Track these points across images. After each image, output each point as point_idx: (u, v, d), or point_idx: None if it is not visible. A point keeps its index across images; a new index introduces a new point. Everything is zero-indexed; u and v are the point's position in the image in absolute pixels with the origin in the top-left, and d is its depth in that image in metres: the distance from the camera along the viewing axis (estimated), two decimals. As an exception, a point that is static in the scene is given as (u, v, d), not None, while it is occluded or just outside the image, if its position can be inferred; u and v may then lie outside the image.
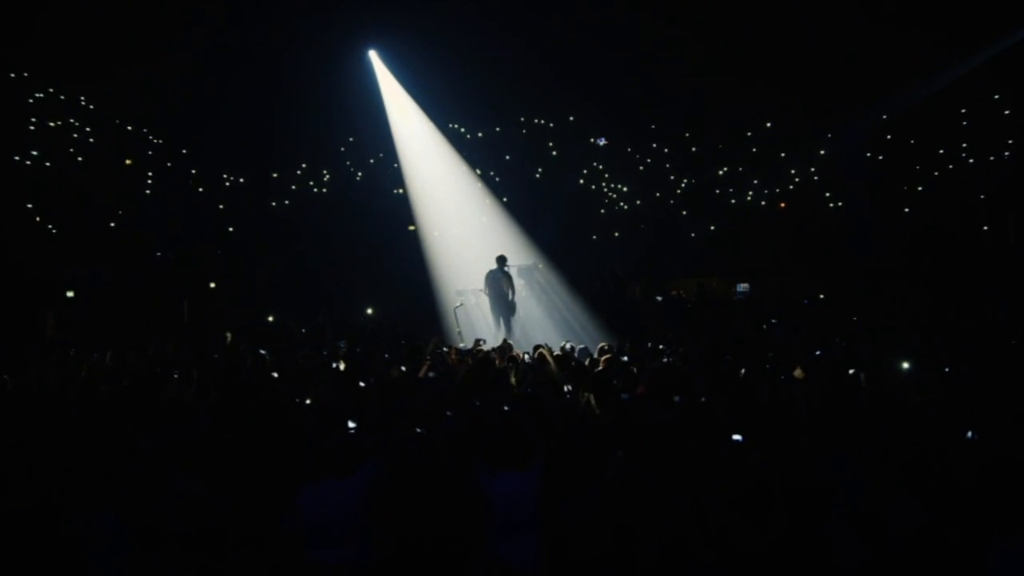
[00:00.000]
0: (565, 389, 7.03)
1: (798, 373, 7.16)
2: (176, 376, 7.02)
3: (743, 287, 18.38)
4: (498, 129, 21.28)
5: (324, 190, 20.32)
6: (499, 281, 13.76)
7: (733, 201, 20.83)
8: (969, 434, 5.29)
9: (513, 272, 14.43)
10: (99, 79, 16.88)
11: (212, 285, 17.68)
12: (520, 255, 16.31)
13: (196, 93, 17.67)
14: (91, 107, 17.78)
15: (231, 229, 19.13)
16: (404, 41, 19.06)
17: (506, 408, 5.94)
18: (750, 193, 20.70)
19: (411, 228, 18.94)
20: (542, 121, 21.38)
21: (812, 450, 5.64)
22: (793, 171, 20.59)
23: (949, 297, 14.92)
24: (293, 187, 20.18)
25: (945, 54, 17.53)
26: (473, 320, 14.34)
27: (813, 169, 20.47)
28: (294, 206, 19.82)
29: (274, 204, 20.00)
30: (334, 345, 9.43)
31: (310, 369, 8.35)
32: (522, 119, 21.39)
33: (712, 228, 20.82)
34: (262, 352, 8.55)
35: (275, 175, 20.19)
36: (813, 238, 18.99)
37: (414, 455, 5.21)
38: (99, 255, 15.84)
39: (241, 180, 19.65)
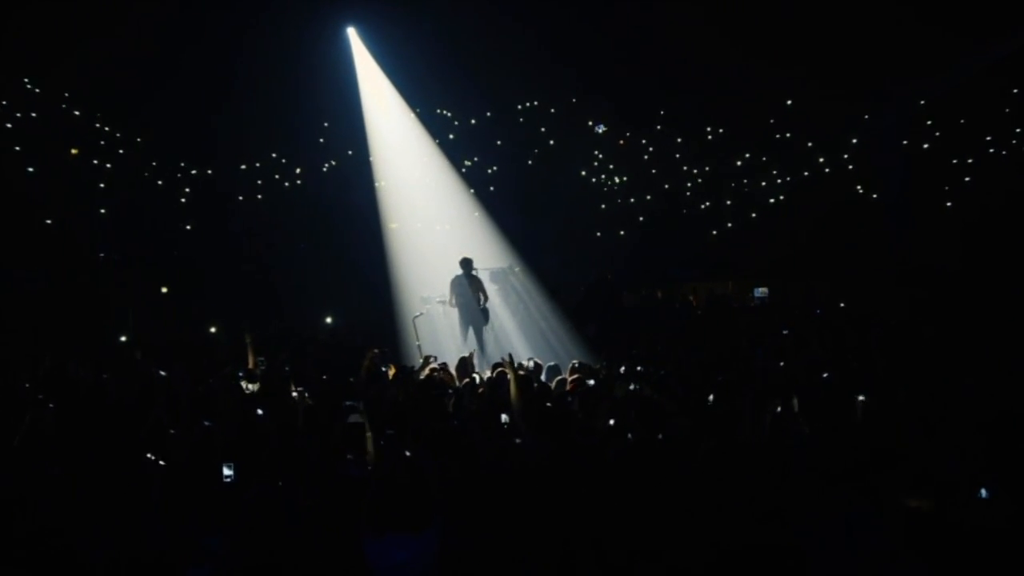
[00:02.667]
0: (502, 419, 6.30)
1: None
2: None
3: (761, 292, 17.64)
4: (489, 114, 20.66)
5: (290, 184, 19.74)
6: (467, 287, 13.08)
7: (751, 193, 20.12)
8: (984, 492, 4.55)
9: (484, 276, 13.74)
10: (43, 58, 16.35)
11: (164, 290, 17.06)
12: (496, 256, 15.61)
13: (151, 74, 17.10)
14: (36, 90, 17.26)
15: (189, 227, 18.52)
16: (388, 18, 18.47)
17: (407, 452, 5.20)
18: (765, 183, 19.97)
19: (393, 226, 18.35)
20: (536, 104, 20.78)
21: (794, 502, 4.98)
22: (821, 159, 19.79)
23: (997, 304, 14.01)
24: (259, 181, 19.60)
25: (993, 28, 16.70)
26: (438, 331, 13.64)
27: (846, 156, 19.70)
28: (261, 202, 19.22)
29: (241, 199, 19.42)
30: (255, 361, 8.75)
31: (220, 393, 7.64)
32: (516, 106, 20.78)
33: (729, 225, 20.03)
34: (162, 373, 7.90)
35: (243, 167, 19.63)
36: (841, 235, 18.21)
37: (268, 517, 4.51)
38: (31, 255, 15.26)
39: (193, 172, 19.04)
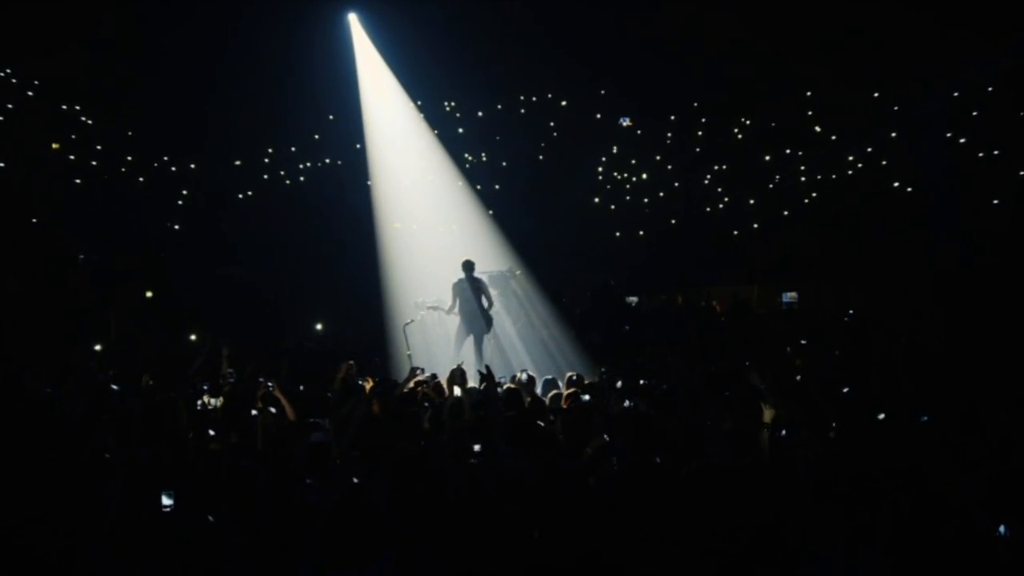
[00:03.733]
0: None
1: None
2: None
3: (790, 297, 17.30)
4: (500, 107, 20.46)
5: (282, 181, 19.66)
6: (469, 291, 12.78)
7: (779, 190, 19.83)
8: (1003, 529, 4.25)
9: (484, 280, 13.47)
10: (25, 46, 16.28)
11: (149, 295, 16.96)
12: (498, 259, 15.36)
13: (135, 59, 17.03)
14: (13, 80, 17.19)
15: (177, 227, 18.43)
16: (392, 3, 18.32)
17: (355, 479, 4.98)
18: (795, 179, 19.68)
19: (396, 226, 18.17)
20: (549, 96, 20.57)
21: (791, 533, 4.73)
22: (852, 157, 19.44)
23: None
24: (250, 178, 19.51)
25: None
26: (431, 340, 13.39)
27: (879, 150, 19.28)
28: (252, 201, 19.11)
29: (241, 196, 19.33)
30: (222, 374, 8.54)
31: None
32: (524, 98, 20.64)
33: (755, 225, 19.73)
34: (114, 388, 7.71)
35: (237, 163, 19.55)
36: (877, 236, 17.85)
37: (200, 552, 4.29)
38: (4, 256, 15.21)
39: (173, 168, 18.94)
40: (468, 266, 12.97)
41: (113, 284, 16.57)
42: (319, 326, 14.06)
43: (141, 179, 18.39)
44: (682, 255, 19.18)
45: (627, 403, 7.19)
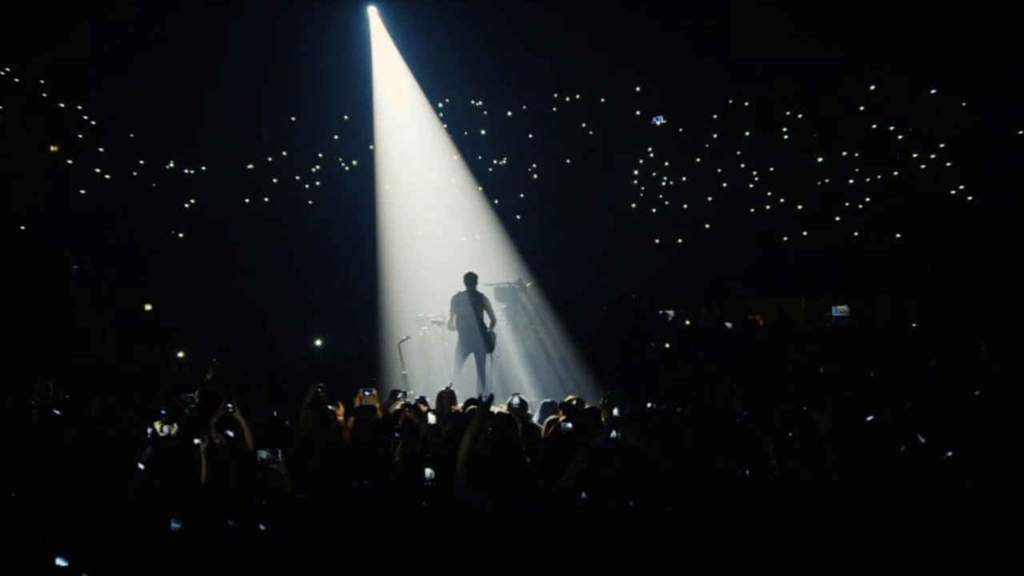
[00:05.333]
0: (427, 474, 5.73)
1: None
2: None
3: (840, 310, 16.86)
4: (525, 107, 20.37)
5: (285, 186, 19.65)
6: (469, 306, 12.36)
7: (830, 194, 19.41)
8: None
9: (489, 293, 13.11)
10: (24, 42, 16.38)
11: (148, 307, 16.92)
12: (507, 270, 15.06)
13: (138, 57, 17.00)
14: (15, 80, 17.30)
15: (181, 235, 18.44)
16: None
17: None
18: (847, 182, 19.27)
19: (419, 233, 18.02)
20: (579, 96, 20.50)
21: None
22: (916, 154, 18.92)
23: None
24: (266, 181, 19.54)
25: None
26: (432, 358, 13.07)
27: (943, 146, 18.76)
28: (251, 206, 19.13)
29: (248, 201, 19.34)
30: (180, 399, 8.26)
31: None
32: (553, 98, 20.66)
33: (804, 233, 19.26)
34: (57, 412, 7.45)
35: (250, 166, 19.58)
36: (938, 244, 17.42)
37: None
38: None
39: (161, 172, 18.93)
40: (470, 279, 12.52)
41: (110, 296, 16.55)
42: (319, 342, 13.84)
43: (140, 183, 18.40)
44: (723, 265, 18.76)
45: (614, 434, 6.76)
